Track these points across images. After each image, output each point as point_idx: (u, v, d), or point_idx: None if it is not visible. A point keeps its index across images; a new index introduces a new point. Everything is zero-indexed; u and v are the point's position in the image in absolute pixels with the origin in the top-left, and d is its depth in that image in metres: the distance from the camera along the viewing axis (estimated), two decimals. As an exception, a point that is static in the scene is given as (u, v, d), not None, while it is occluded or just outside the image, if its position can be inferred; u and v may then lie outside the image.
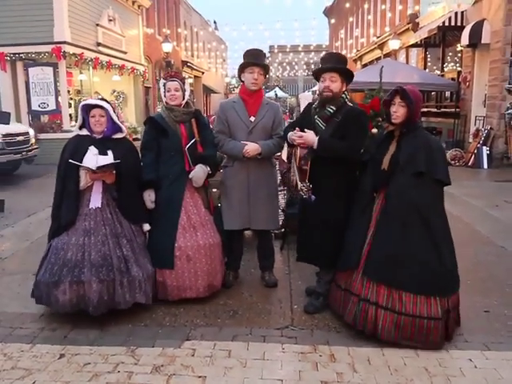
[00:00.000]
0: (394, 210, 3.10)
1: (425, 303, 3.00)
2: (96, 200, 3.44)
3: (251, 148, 3.70)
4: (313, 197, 3.35)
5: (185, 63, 26.82)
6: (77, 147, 3.46)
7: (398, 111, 3.16)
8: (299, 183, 3.34)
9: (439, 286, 3.03)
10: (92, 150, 3.42)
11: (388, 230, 3.10)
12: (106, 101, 3.55)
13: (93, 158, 3.37)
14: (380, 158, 3.23)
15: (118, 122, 3.54)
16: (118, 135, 3.58)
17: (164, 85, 3.75)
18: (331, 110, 3.38)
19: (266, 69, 3.79)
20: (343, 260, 3.31)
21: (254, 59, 3.74)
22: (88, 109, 3.45)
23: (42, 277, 3.35)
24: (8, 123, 7.86)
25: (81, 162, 3.35)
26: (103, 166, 3.35)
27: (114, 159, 3.42)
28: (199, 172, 3.64)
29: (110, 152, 3.45)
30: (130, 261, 3.40)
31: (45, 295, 3.35)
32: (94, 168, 3.32)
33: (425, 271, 2.99)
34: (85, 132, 3.52)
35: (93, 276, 3.25)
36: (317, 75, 3.49)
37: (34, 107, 12.68)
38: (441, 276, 3.03)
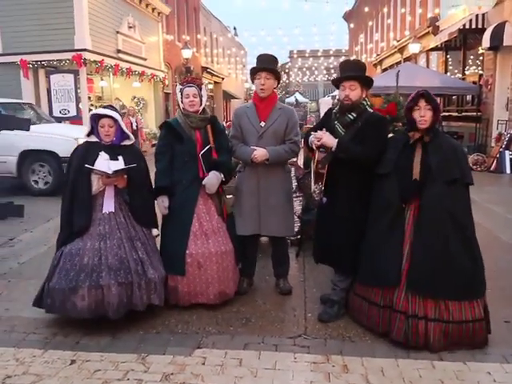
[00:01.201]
0: (430, 221, 3.04)
1: (469, 308, 3.04)
2: (109, 205, 3.45)
3: (259, 154, 3.66)
4: (324, 199, 3.37)
5: (204, 69, 27.00)
6: (86, 153, 3.47)
7: (426, 115, 3.08)
8: (313, 185, 3.36)
9: (479, 288, 3.10)
10: (103, 156, 3.43)
11: (426, 242, 3.04)
12: (115, 110, 3.55)
13: (104, 163, 3.38)
14: (408, 168, 3.12)
15: (126, 130, 3.56)
16: (126, 142, 3.59)
17: (181, 90, 3.73)
18: (351, 117, 3.38)
19: (274, 73, 3.74)
20: (379, 276, 3.16)
21: (261, 64, 3.72)
22: (97, 118, 3.46)
23: (55, 284, 3.32)
24: (28, 130, 7.93)
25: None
26: (118, 170, 3.37)
27: (125, 164, 3.43)
28: (212, 179, 3.62)
29: (120, 157, 3.47)
30: (146, 263, 3.42)
31: (59, 303, 3.32)
32: (109, 172, 3.33)
33: (466, 278, 3.03)
34: (94, 139, 3.53)
35: (111, 279, 3.26)
36: (336, 83, 3.49)
37: (56, 113, 12.89)
38: (478, 278, 3.10)
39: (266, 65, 3.72)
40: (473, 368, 2.86)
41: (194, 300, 3.62)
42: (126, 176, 3.45)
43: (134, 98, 17.46)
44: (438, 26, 16.23)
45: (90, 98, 14.22)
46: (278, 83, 3.86)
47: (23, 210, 7.09)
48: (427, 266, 3.01)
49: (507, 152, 11.00)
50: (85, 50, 12.86)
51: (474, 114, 13.32)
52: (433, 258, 3.01)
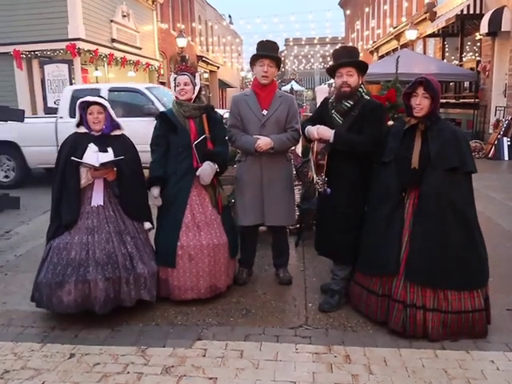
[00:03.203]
0: (430, 210, 2.98)
1: (468, 298, 3.01)
2: (98, 198, 3.38)
3: (263, 142, 3.60)
4: (328, 190, 3.35)
5: (200, 58, 26.78)
6: (75, 145, 3.38)
7: (422, 103, 3.01)
8: (315, 177, 3.33)
9: (479, 278, 3.06)
10: (92, 148, 3.35)
11: (426, 230, 2.99)
12: (103, 98, 3.47)
13: (93, 156, 3.31)
14: (407, 156, 3.06)
15: (116, 118, 3.48)
16: (117, 132, 3.51)
17: (174, 79, 3.67)
18: (348, 105, 3.32)
19: (277, 61, 3.68)
20: (378, 265, 3.13)
21: (263, 51, 3.64)
22: (86, 106, 3.38)
23: (43, 278, 3.26)
24: (22, 121, 7.80)
25: (81, 160, 3.28)
26: (105, 163, 3.30)
27: (115, 156, 3.35)
28: (206, 169, 3.53)
29: (109, 149, 3.39)
30: (135, 258, 3.35)
31: (45, 297, 3.25)
32: (96, 165, 3.26)
33: (466, 267, 2.98)
34: (83, 130, 3.44)
35: (98, 274, 3.19)
36: (332, 71, 3.42)
37: (50, 104, 12.71)
38: (479, 268, 3.04)
39: (270, 52, 3.65)
40: (476, 357, 2.84)
41: (183, 296, 3.54)
42: (115, 169, 3.38)
43: (129, 87, 17.29)
44: (436, 12, 16.12)
45: (84, 88, 14.07)
46: (278, 71, 3.79)
47: (19, 201, 7.04)
48: (426, 255, 2.97)
49: (505, 139, 10.96)
50: (79, 39, 12.69)
51: (472, 100, 13.28)
52: (432, 247, 2.97)
